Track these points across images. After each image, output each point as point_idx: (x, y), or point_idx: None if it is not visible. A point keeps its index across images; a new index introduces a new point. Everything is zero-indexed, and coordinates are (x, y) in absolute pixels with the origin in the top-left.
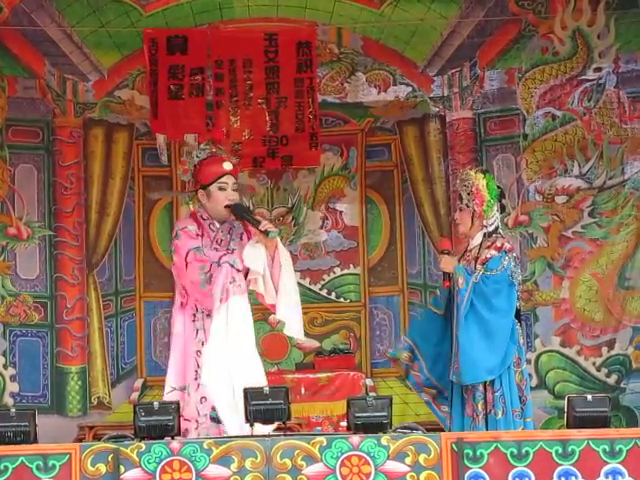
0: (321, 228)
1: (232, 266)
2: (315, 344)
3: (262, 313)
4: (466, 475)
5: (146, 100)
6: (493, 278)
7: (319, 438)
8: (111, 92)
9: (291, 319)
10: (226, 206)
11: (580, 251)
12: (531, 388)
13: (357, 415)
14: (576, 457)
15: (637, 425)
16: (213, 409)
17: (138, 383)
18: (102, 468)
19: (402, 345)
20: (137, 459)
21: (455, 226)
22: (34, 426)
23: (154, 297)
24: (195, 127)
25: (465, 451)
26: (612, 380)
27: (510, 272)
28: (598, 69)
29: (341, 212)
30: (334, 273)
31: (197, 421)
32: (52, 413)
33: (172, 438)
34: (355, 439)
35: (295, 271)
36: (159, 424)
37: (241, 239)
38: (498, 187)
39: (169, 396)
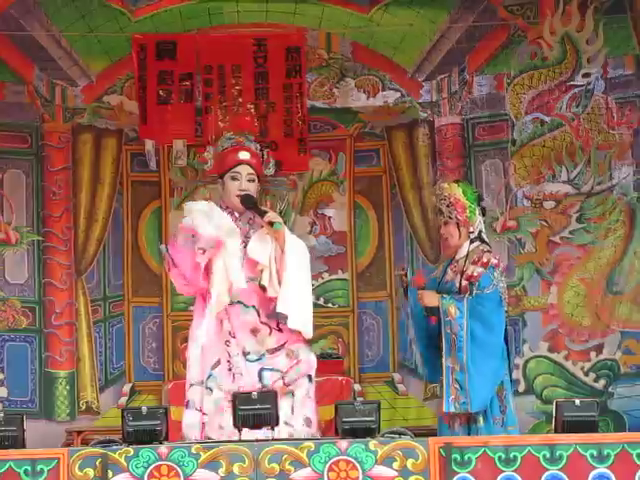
0: (309, 233)
1: None
2: None
3: None
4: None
5: (135, 106)
6: (487, 296)
7: (307, 443)
8: (100, 97)
9: (293, 312)
10: (237, 196)
11: (568, 256)
12: (519, 393)
13: (345, 420)
14: (564, 462)
15: (625, 430)
16: None
17: (126, 388)
18: (90, 473)
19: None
20: (125, 464)
21: (444, 241)
22: (22, 431)
23: (143, 302)
24: (184, 132)
25: (453, 456)
26: (600, 385)
27: (501, 290)
28: (587, 74)
29: (330, 217)
30: (322, 278)
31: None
32: (40, 418)
33: (160, 443)
34: (343, 444)
35: None
36: (147, 429)
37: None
38: (475, 191)
39: (190, 392)
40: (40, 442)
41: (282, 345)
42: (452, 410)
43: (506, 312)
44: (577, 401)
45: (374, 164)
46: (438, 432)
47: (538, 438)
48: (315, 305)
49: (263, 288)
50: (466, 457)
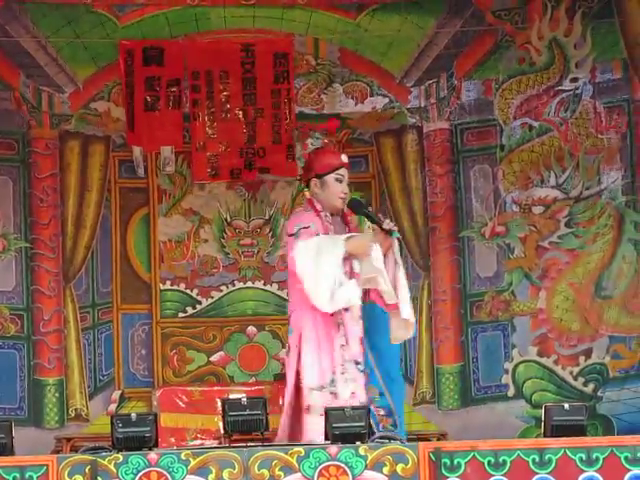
0: None
1: None
2: None
3: (239, 325)
4: None
5: (122, 112)
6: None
7: (297, 448)
8: (87, 104)
9: (412, 319)
10: (340, 198)
11: (557, 261)
12: (508, 398)
13: (335, 425)
14: (553, 465)
15: (614, 433)
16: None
17: (116, 395)
18: None
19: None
20: (115, 470)
21: None
22: (11, 438)
23: (131, 309)
24: (172, 139)
25: (443, 460)
26: (589, 389)
27: None
28: (575, 79)
29: None
30: None
31: None
32: (29, 425)
33: (150, 449)
34: (333, 449)
35: (273, 282)
36: (137, 435)
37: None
38: (361, 196)
39: (311, 398)
40: (29, 449)
41: None
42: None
43: (495, 317)
44: (566, 405)
45: (363, 170)
46: None
47: (527, 442)
48: None
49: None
50: (456, 462)
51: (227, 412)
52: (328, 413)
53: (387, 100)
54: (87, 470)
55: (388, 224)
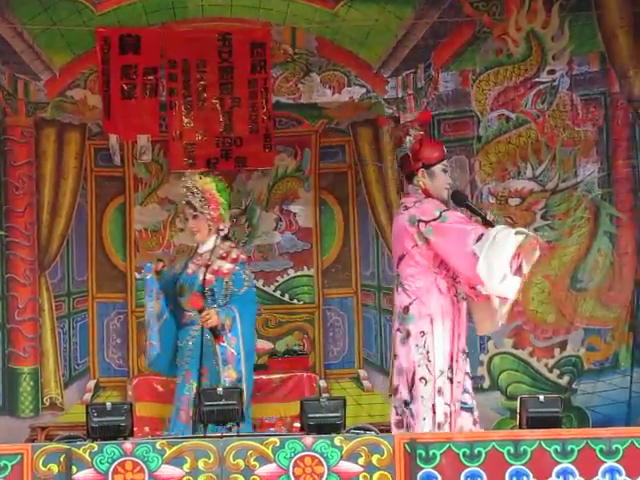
0: (275, 230)
1: None
2: (269, 345)
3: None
4: (419, 475)
5: (98, 100)
6: (248, 296)
7: (272, 439)
8: (63, 92)
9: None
10: (446, 188)
11: None
12: (484, 389)
13: (310, 416)
14: (528, 457)
15: (588, 425)
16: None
17: (90, 384)
18: (54, 468)
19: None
20: (89, 459)
21: (192, 235)
22: None
23: (106, 298)
24: (148, 128)
25: (418, 451)
26: (564, 381)
27: (254, 288)
28: (552, 71)
29: (295, 214)
30: (288, 275)
31: (453, 405)
32: (4, 414)
33: (125, 439)
34: (308, 440)
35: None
36: (112, 425)
37: None
38: (227, 187)
39: (438, 379)
40: (4, 438)
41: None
42: None
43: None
44: (541, 397)
45: (339, 160)
46: None
47: (502, 434)
48: (280, 301)
49: None
50: (431, 453)
51: (203, 402)
52: (304, 403)
53: (364, 90)
54: (62, 459)
55: (490, 216)
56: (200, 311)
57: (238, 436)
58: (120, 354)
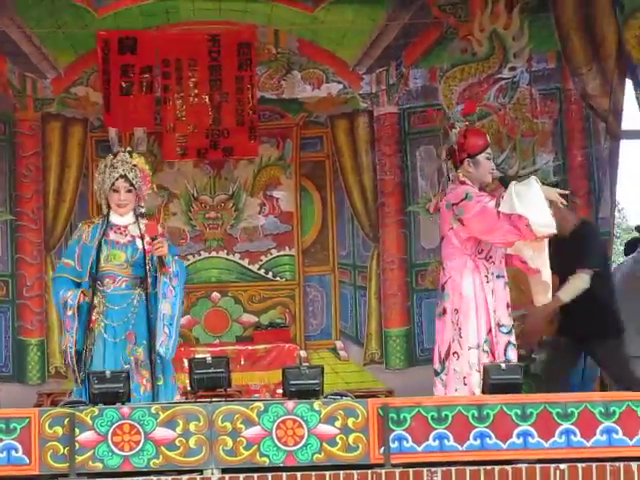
0: (259, 213)
1: None
2: (254, 319)
3: (205, 291)
4: (391, 437)
5: (99, 96)
6: (182, 264)
7: (257, 404)
8: (67, 89)
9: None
10: (490, 174)
11: None
12: None
13: (292, 383)
14: (490, 420)
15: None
16: None
17: None
18: (59, 430)
19: None
20: (91, 422)
21: (121, 207)
22: None
23: None
24: (144, 121)
25: (390, 415)
26: (523, 351)
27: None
28: (513, 68)
29: (277, 199)
30: (271, 254)
31: None
32: (13, 381)
33: (123, 404)
34: (290, 404)
35: (235, 252)
36: (111, 391)
37: None
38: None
39: (469, 354)
40: (13, 403)
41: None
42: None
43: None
44: (503, 365)
45: (318, 150)
46: None
47: (467, 399)
48: (264, 279)
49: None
50: (402, 416)
51: (193, 370)
52: (285, 371)
53: (341, 86)
54: (66, 422)
55: None
56: (154, 238)
57: (226, 401)
58: None
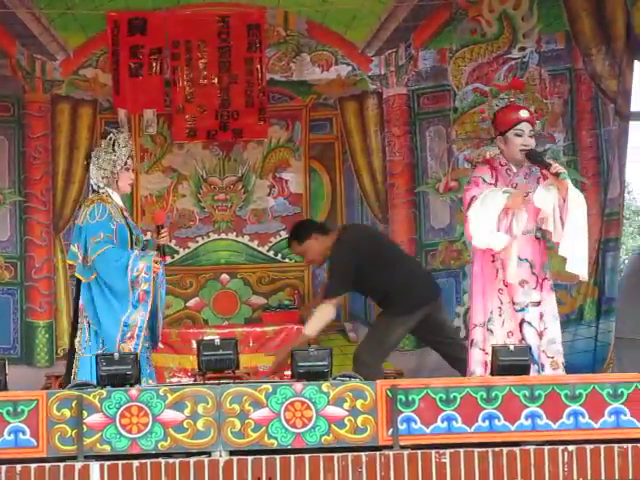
0: (268, 195)
1: None
2: (262, 301)
3: (214, 273)
4: (399, 418)
5: (109, 78)
6: None
7: (265, 385)
8: (76, 70)
9: (573, 256)
10: (521, 151)
11: None
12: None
13: (300, 364)
14: (499, 402)
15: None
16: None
17: None
18: (67, 413)
19: None
20: (99, 405)
21: (128, 187)
22: (4, 375)
23: None
24: (154, 102)
25: (399, 396)
26: None
27: None
28: (522, 48)
29: (287, 181)
30: (280, 236)
31: None
32: (22, 364)
33: (131, 386)
34: (298, 386)
35: (244, 234)
36: (119, 373)
37: (537, 183)
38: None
39: (474, 333)
40: (22, 385)
41: (538, 303)
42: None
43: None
44: (511, 346)
45: (327, 132)
46: None
47: (475, 380)
48: (273, 260)
49: (538, 239)
50: (410, 398)
51: (202, 352)
52: (294, 353)
53: (350, 68)
54: (74, 404)
55: (555, 167)
56: (160, 227)
57: (234, 383)
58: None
